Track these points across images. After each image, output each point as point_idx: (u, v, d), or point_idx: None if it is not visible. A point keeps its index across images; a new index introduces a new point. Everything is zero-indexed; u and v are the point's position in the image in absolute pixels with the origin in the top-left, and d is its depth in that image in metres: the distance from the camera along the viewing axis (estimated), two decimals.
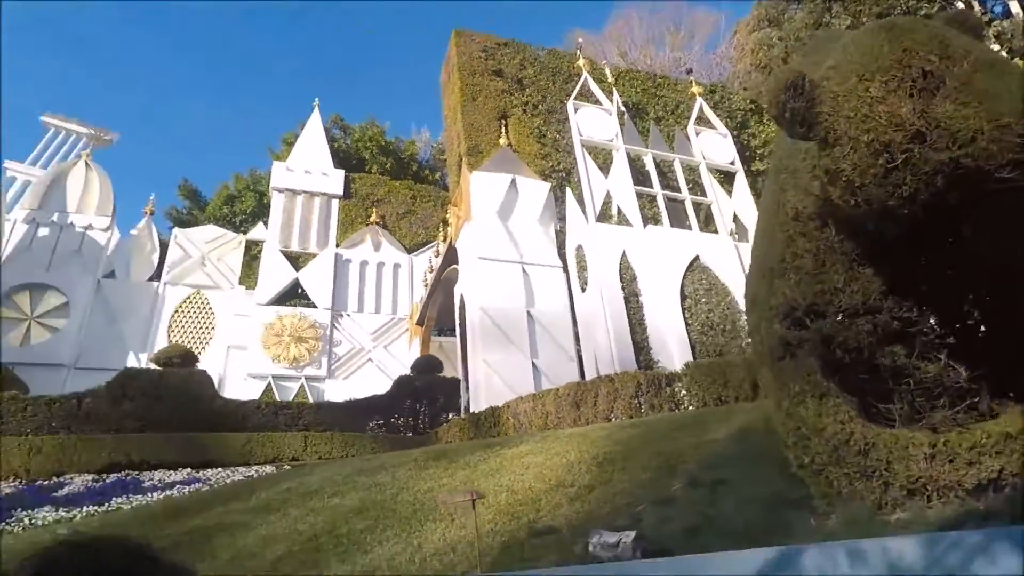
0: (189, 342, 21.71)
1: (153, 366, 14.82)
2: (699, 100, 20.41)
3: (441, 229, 22.14)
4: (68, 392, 14.81)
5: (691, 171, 18.73)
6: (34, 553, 0.76)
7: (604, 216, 16.57)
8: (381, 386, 19.15)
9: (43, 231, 23.15)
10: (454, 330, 22.97)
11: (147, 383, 13.78)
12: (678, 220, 17.11)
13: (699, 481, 5.60)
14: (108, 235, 24.02)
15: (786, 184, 4.52)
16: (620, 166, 17.34)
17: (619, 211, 16.68)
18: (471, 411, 13.88)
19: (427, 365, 17.66)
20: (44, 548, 0.79)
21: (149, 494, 10.30)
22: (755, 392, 9.89)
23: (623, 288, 14.92)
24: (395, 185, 27.83)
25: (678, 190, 17.96)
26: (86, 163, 25.70)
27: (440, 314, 20.88)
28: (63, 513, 9.52)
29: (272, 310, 22.05)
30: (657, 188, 17.43)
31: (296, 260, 23.92)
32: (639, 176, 17.58)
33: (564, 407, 10.85)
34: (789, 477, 5.02)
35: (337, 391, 20.56)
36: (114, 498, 10.00)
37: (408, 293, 24.66)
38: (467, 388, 15.45)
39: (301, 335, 21.63)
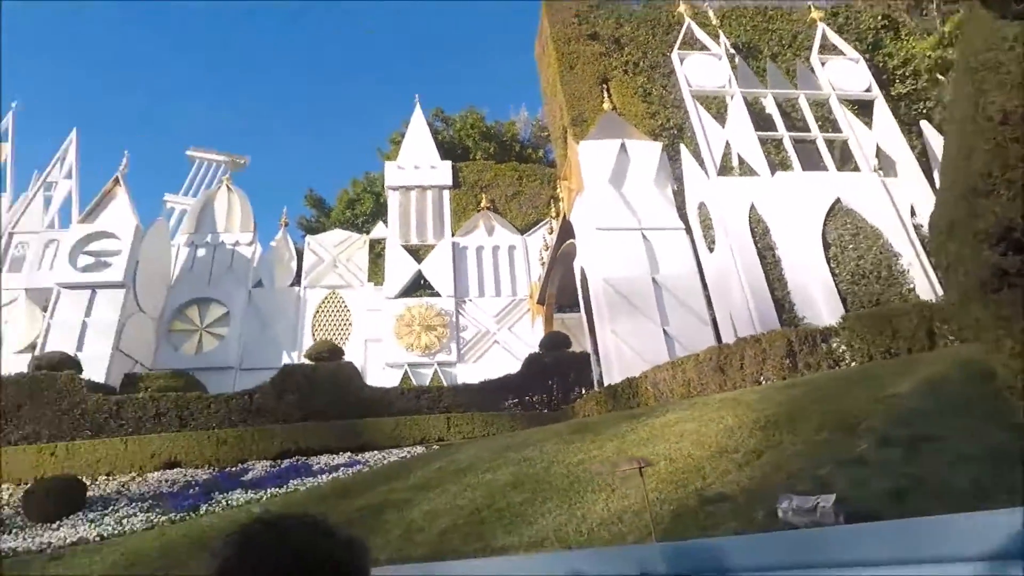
0: (331, 338, 23.45)
1: (307, 361, 16.14)
2: (820, 26, 18.37)
3: (552, 205, 21.97)
4: (238, 390, 16.56)
5: (819, 106, 16.95)
6: (234, 531, 0.83)
7: (725, 169, 15.50)
8: (509, 367, 19.50)
9: (200, 251, 26.03)
10: (575, 306, 22.81)
11: (303, 377, 15.07)
12: (811, 162, 15.58)
13: (891, 439, 5.00)
14: (252, 249, 26.50)
15: (987, 83, 3.78)
16: (737, 113, 16.08)
17: (741, 161, 15.51)
18: (606, 384, 13.68)
19: (555, 341, 17.68)
20: (242, 526, 0.88)
21: (318, 476, 11.24)
22: (932, 341, 8.76)
23: (756, 243, 13.88)
24: (500, 168, 28.03)
25: (806, 129, 16.34)
26: (227, 187, 28.45)
27: (560, 291, 20.80)
28: (251, 495, 10.65)
29: (401, 302, 23.20)
30: (782, 130, 15.97)
31: (417, 253, 24.93)
32: (760, 121, 16.21)
33: (707, 373, 10.31)
34: (1010, 429, 4.32)
35: (468, 374, 21.24)
36: (290, 480, 11.02)
37: (525, 273, 24.84)
38: (598, 362, 15.25)
39: (430, 323, 22.57)
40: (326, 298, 25.36)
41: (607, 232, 15.13)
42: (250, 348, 23.75)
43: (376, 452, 12.43)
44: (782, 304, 13.42)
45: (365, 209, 34.73)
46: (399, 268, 24.34)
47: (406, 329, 22.50)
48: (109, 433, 13.67)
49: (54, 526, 10.52)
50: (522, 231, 26.08)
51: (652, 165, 16.27)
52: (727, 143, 15.82)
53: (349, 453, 12.49)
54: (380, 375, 21.49)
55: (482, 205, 26.30)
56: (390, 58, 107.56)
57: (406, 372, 21.78)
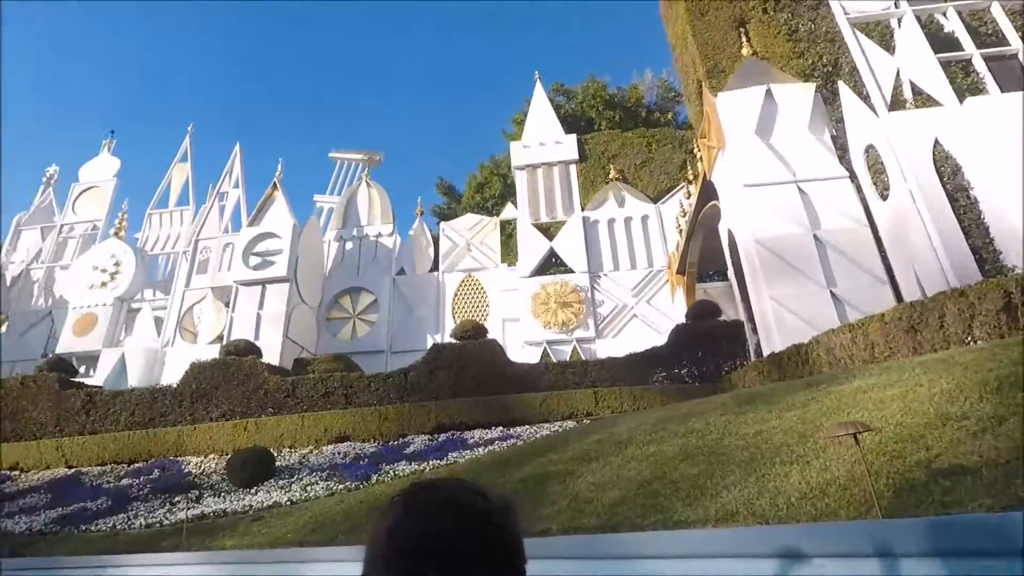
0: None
1: (453, 341, 16.71)
2: None
3: (689, 167, 20.69)
4: (392, 370, 17.58)
5: (1019, 15, 14.10)
6: (399, 493, 0.91)
7: (897, 103, 13.45)
8: (649, 341, 18.78)
9: (348, 245, 28.04)
10: (719, 274, 21.41)
11: (452, 355, 15.62)
12: (1011, 82, 13.03)
13: None
14: (393, 239, 28.05)
15: None
16: (910, 35, 13.86)
17: (918, 92, 13.36)
18: (766, 353, 12.59)
19: (704, 311, 16.67)
20: (405, 489, 0.92)
21: (475, 449, 11.53)
22: None
23: (944, 184, 11.92)
24: (627, 136, 26.98)
25: (1003, 43, 13.69)
26: (366, 182, 30.32)
27: (702, 258, 19.58)
28: (415, 466, 11.18)
29: (535, 281, 23.27)
30: (971, 49, 13.52)
31: (547, 230, 24.83)
32: (938, 43, 13.84)
33: (895, 334, 9.00)
34: None
35: (607, 349, 20.82)
36: (449, 453, 11.41)
37: (661, 244, 23.76)
38: (754, 330, 14.11)
39: (565, 300, 22.42)
40: (463, 281, 26.18)
41: (756, 188, 13.84)
42: (398, 332, 25.21)
43: (527, 426, 12.52)
44: (980, 253, 11.42)
45: (493, 192, 35.34)
46: (531, 247, 24.40)
47: (542, 307, 22.54)
48: (288, 410, 15.15)
49: (252, 491, 11.83)
50: (655, 199, 24.95)
51: (804, 109, 14.59)
52: (898, 73, 13.71)
53: (501, 428, 12.70)
54: (520, 353, 21.76)
55: (611, 176, 25.52)
56: (507, 38, 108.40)
57: (545, 349, 21.86)
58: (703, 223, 17.75)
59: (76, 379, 18.69)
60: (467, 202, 36.51)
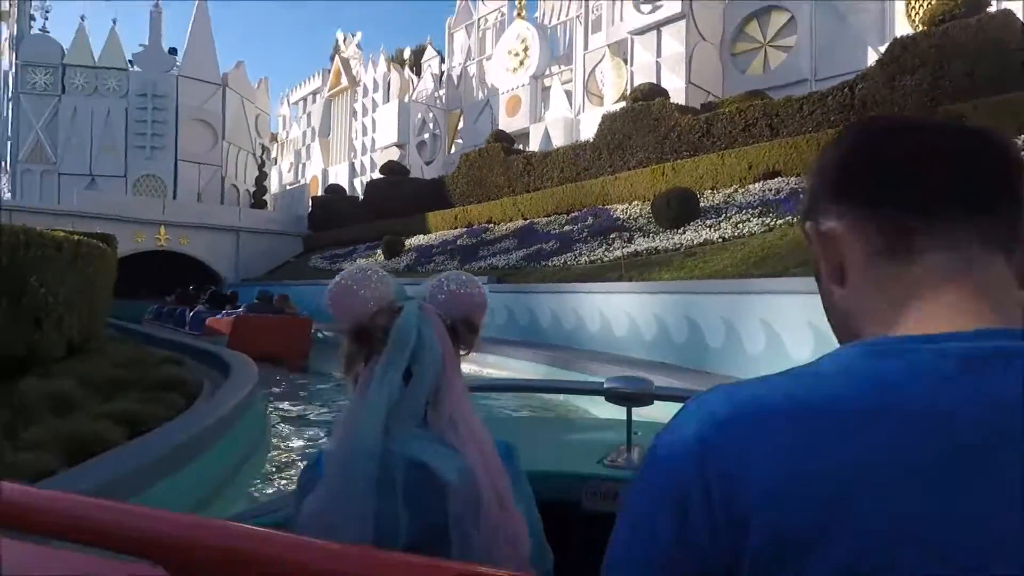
0: None
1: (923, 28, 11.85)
2: None
3: None
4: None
5: None
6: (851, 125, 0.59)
7: None
8: None
9: None
10: None
11: (926, 48, 11.08)
12: None
13: None
14: None
15: None
16: None
17: None
18: None
19: None
20: (854, 123, 0.60)
21: None
22: None
23: None
24: None
25: None
26: None
27: None
28: None
29: None
30: None
31: None
32: None
33: None
34: None
35: None
36: None
37: None
38: None
39: None
40: None
41: None
42: (824, 53, 20.09)
43: None
44: None
45: None
46: None
47: None
48: (704, 151, 13.87)
49: (679, 231, 11.40)
50: None
51: None
52: None
53: None
54: None
55: None
56: None
57: None
58: None
59: (515, 147, 21.43)
60: None
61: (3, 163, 29.70)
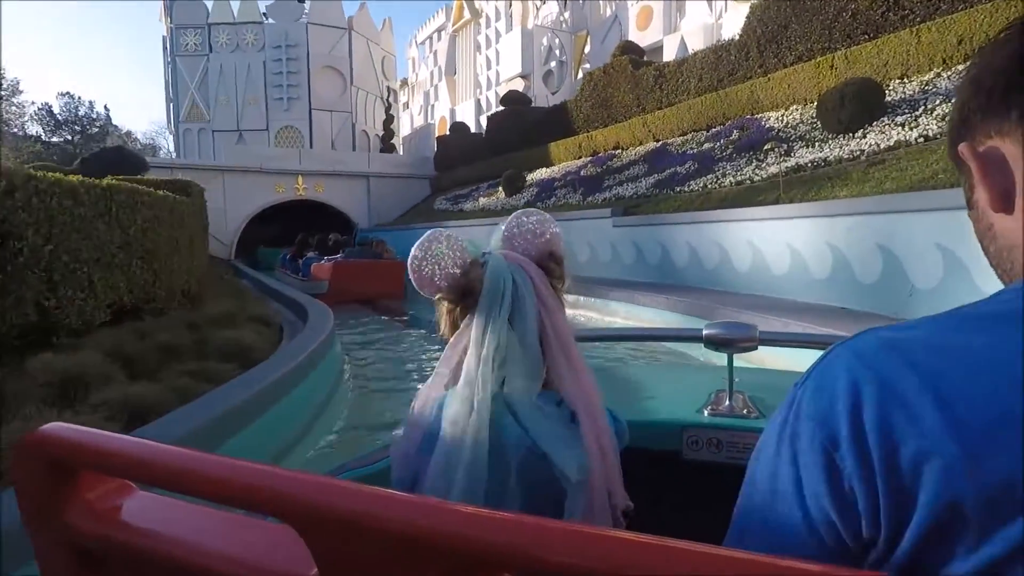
0: None
1: None
2: None
3: None
4: None
5: None
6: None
7: None
8: None
9: None
10: None
11: None
12: None
13: None
14: None
15: None
16: None
17: None
18: None
19: None
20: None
21: None
22: None
23: None
24: None
25: None
26: None
27: None
28: None
29: None
30: None
31: None
32: None
33: None
34: None
35: None
36: None
37: None
38: None
39: None
40: None
41: None
42: None
43: None
44: None
45: None
46: None
47: None
48: (888, 29, 10.77)
49: (857, 135, 8.95)
50: None
51: None
52: None
53: None
54: None
55: None
56: None
57: None
58: None
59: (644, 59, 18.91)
60: None
61: (169, 124, 32.78)
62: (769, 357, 3.81)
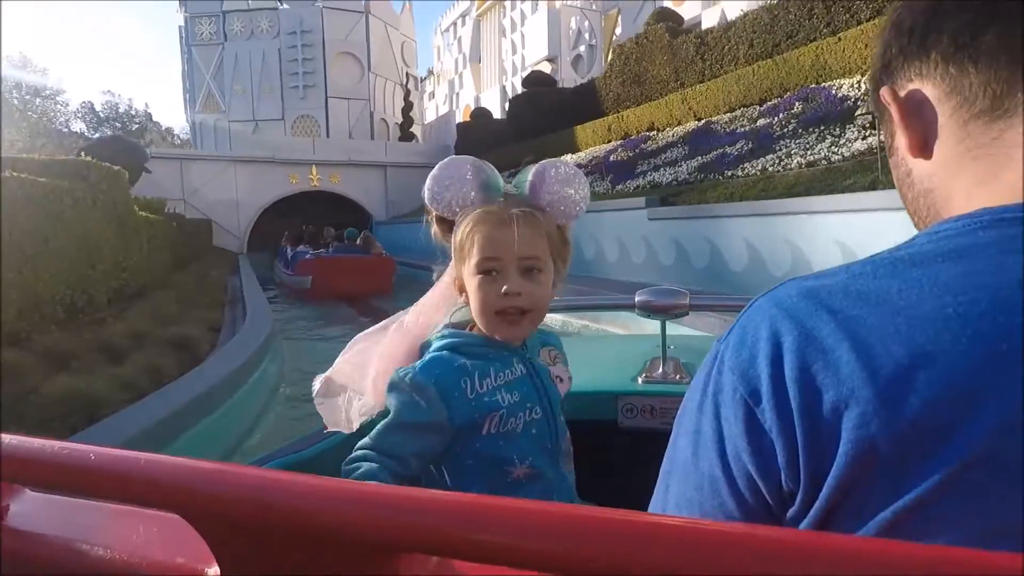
0: None
1: None
2: None
3: None
4: None
5: None
6: None
7: None
8: None
9: None
10: None
11: None
12: None
13: None
14: None
15: None
16: None
17: None
18: None
19: None
20: None
21: None
22: None
23: None
24: None
25: None
26: None
27: None
28: None
29: None
30: None
31: None
32: None
33: None
34: None
35: None
36: None
37: None
38: None
39: None
40: None
41: None
42: None
43: None
44: None
45: None
46: None
47: None
48: None
49: None
50: None
51: None
52: None
53: None
54: None
55: None
56: None
57: None
58: None
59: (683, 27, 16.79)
60: None
61: (185, 115, 31.94)
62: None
